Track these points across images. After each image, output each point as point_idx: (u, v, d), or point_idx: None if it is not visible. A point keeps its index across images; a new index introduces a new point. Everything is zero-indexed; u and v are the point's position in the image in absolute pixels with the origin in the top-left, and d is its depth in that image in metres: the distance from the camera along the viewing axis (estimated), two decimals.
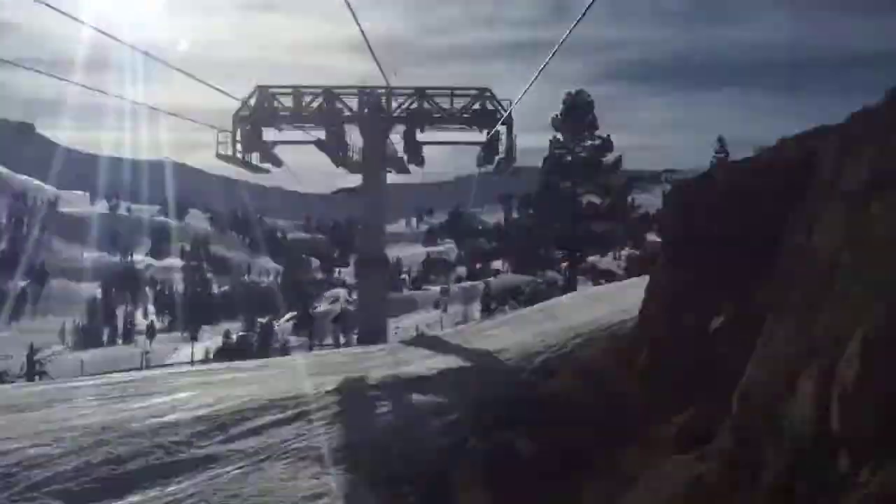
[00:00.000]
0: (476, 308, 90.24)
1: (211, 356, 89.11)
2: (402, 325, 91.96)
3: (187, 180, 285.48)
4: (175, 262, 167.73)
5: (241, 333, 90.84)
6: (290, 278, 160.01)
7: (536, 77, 9.23)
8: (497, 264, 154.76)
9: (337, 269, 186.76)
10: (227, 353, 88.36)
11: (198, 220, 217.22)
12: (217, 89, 11.96)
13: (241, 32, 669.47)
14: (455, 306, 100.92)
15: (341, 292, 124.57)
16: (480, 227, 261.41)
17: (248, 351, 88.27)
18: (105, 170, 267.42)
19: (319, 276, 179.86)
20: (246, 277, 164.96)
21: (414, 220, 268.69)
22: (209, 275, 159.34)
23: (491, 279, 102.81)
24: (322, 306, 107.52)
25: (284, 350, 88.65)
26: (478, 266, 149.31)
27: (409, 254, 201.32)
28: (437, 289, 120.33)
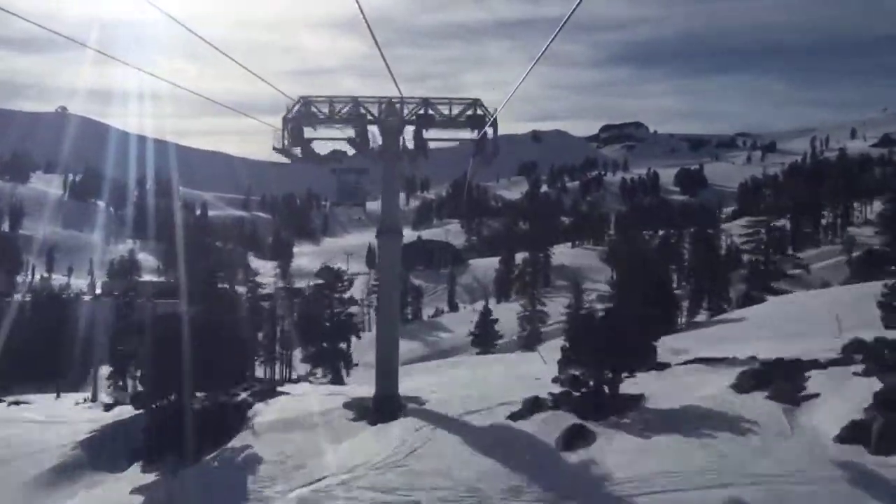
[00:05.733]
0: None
1: None
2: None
3: (93, 140, 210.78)
4: None
5: None
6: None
7: (520, 83, 10.51)
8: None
9: (254, 266, 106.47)
10: None
11: (53, 186, 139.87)
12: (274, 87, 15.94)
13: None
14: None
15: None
16: (499, 204, 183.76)
17: None
18: None
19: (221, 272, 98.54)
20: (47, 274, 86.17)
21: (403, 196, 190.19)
22: None
23: None
24: None
25: None
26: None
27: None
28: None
